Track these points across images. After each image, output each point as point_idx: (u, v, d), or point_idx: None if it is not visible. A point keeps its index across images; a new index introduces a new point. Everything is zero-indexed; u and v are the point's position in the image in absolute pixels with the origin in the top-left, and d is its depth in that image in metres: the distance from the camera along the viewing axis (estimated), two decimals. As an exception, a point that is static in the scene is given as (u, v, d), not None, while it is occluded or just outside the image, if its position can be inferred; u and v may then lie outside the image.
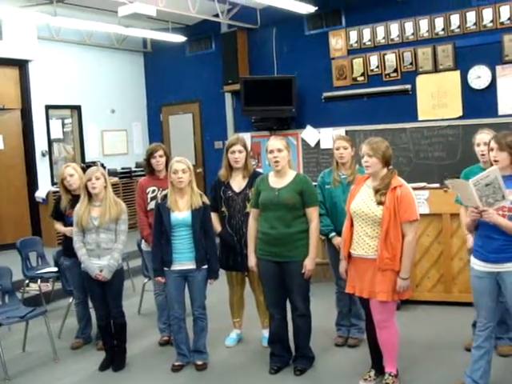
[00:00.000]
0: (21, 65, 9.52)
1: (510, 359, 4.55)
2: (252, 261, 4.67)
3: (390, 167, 4.13)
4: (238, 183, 5.05)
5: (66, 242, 5.32)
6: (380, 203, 4.02)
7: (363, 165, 4.14)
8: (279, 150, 4.47)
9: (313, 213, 4.51)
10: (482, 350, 3.86)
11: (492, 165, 3.71)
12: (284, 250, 4.46)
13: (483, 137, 4.54)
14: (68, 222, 5.25)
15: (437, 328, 5.41)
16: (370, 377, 4.30)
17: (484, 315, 3.85)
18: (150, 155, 5.30)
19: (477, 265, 3.81)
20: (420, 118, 8.53)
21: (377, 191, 4.06)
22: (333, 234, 4.87)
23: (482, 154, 4.53)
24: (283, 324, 4.67)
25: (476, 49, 7.97)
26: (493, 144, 3.74)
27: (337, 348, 5.05)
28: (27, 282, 6.56)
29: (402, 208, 3.97)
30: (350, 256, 4.21)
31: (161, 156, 5.27)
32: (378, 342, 4.22)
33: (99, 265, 4.76)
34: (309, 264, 4.46)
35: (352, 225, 4.20)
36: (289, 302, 4.63)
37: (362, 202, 4.11)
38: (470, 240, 4.59)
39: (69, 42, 10.14)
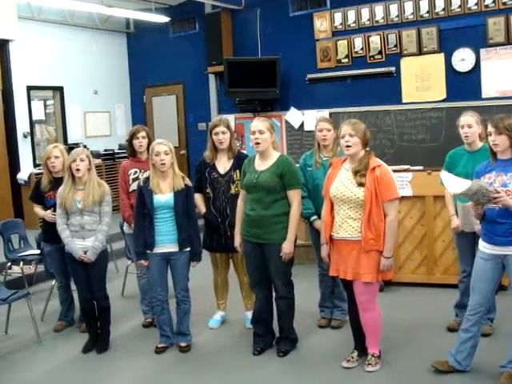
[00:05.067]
0: (1, 45, 9.35)
1: (490, 339, 4.59)
2: (237, 241, 4.70)
3: (367, 148, 4.14)
4: (222, 164, 5.04)
5: (46, 227, 5.28)
6: (360, 185, 4.02)
7: (343, 145, 4.12)
8: (261, 132, 4.45)
9: (294, 195, 4.47)
10: (469, 333, 3.93)
11: (493, 151, 3.76)
12: (262, 232, 4.46)
13: (467, 119, 4.57)
14: (47, 205, 5.22)
15: (419, 309, 5.45)
16: (352, 358, 4.32)
17: (477, 300, 3.89)
18: (132, 136, 5.29)
19: (485, 247, 3.85)
20: (404, 101, 8.52)
21: (356, 173, 4.06)
22: (314, 217, 4.86)
23: (466, 136, 4.57)
24: (267, 303, 4.66)
25: (460, 31, 7.95)
26: (490, 128, 3.74)
27: (320, 329, 5.08)
28: (9, 264, 6.50)
29: (383, 188, 3.98)
30: (331, 239, 4.21)
31: (143, 137, 5.25)
32: (360, 324, 4.24)
33: (83, 246, 4.73)
34: (286, 247, 4.44)
35: (332, 208, 4.19)
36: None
37: (342, 185, 4.10)
38: (455, 220, 4.65)
39: (50, 22, 9.96)
